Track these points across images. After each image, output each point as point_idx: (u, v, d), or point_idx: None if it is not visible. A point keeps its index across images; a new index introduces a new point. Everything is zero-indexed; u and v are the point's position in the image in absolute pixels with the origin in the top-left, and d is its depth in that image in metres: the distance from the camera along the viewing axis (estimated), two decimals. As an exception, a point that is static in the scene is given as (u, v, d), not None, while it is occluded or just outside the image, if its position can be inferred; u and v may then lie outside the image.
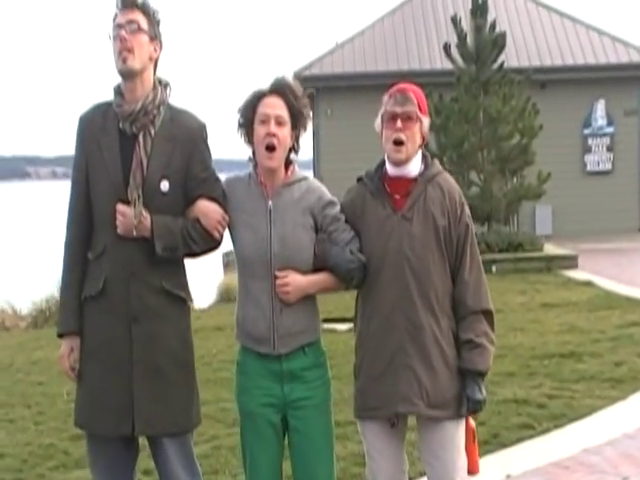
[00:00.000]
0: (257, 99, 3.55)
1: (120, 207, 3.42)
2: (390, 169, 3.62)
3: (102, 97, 3.65)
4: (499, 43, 15.87)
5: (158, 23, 3.56)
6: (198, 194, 3.54)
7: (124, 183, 3.44)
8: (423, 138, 3.63)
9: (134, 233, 3.42)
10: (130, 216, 3.41)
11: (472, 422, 3.66)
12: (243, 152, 3.64)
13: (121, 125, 3.50)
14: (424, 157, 3.65)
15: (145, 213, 3.43)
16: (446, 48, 16.26)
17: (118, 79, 3.55)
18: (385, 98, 3.61)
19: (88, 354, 3.53)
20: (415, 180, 3.59)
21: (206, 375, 7.73)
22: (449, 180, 3.66)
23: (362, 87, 20.37)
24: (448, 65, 17.00)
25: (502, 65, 15.91)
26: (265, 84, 3.59)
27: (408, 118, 3.53)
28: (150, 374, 3.47)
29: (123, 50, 3.43)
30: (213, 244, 3.59)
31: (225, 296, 14.13)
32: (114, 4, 3.54)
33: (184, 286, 3.61)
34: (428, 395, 3.48)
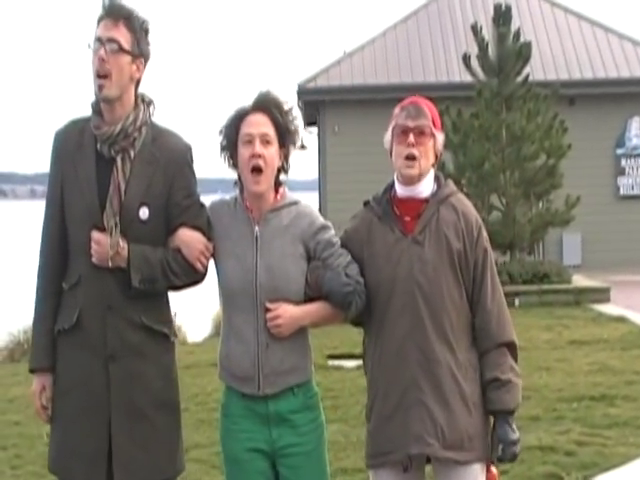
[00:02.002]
0: (239, 118, 3.56)
1: (95, 235, 3.45)
2: (399, 189, 3.65)
3: (83, 110, 3.68)
4: (524, 54, 15.95)
5: (146, 33, 3.56)
6: (180, 222, 3.56)
7: (100, 208, 3.47)
8: (436, 156, 3.66)
9: (109, 264, 3.45)
10: (106, 245, 3.44)
11: (494, 470, 3.63)
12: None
13: (99, 147, 3.52)
14: (437, 177, 3.68)
15: (122, 243, 3.46)
16: (465, 59, 16.35)
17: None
18: (396, 111, 3.64)
19: (61, 393, 3.55)
20: (426, 201, 3.61)
21: (199, 416, 7.74)
22: (464, 201, 3.69)
23: (373, 101, 20.48)
24: (467, 78, 17.09)
25: (527, 78, 15.98)
26: (248, 101, 3.59)
27: (421, 133, 3.57)
28: (130, 417, 3.48)
29: (100, 74, 3.45)
30: (196, 277, 3.60)
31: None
32: (100, 5, 3.51)
33: (166, 321, 3.62)
34: (444, 434, 3.47)
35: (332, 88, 21.62)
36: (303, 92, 21.42)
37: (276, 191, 3.61)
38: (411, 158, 3.56)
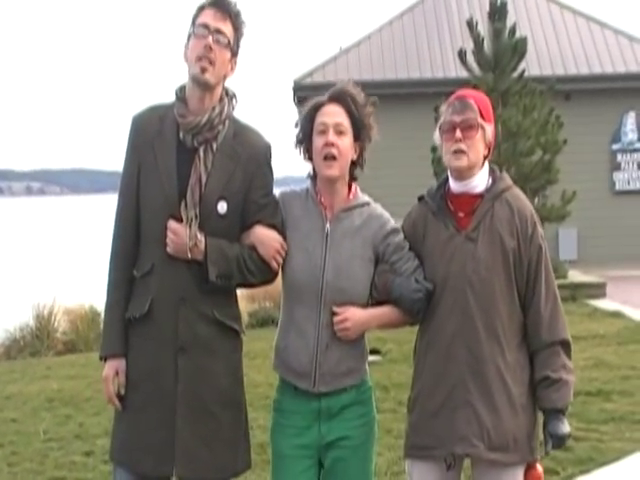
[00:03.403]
0: (315, 109, 3.60)
1: (172, 224, 3.43)
2: (453, 185, 3.63)
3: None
4: (519, 49, 15.91)
5: (241, 37, 3.57)
6: (256, 220, 3.55)
7: (178, 198, 3.45)
8: (489, 148, 3.63)
9: (188, 255, 3.42)
10: (183, 236, 3.42)
11: (539, 468, 3.64)
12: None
13: (181, 135, 3.51)
14: (492, 171, 3.66)
15: (200, 235, 3.44)
16: (461, 55, 16.32)
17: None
18: (443, 107, 3.63)
19: (129, 385, 3.53)
20: (481, 196, 3.58)
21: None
22: (520, 196, 3.64)
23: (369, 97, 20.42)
24: (463, 73, 17.05)
25: (523, 74, 15.95)
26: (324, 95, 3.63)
27: (469, 127, 3.54)
28: (195, 412, 3.46)
29: (204, 59, 3.44)
30: (269, 275, 3.59)
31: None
32: None
33: (237, 317, 3.62)
34: (490, 437, 3.47)
35: (328, 84, 21.42)
36: (299, 88, 21.38)
37: (349, 188, 3.62)
38: (459, 152, 3.54)
